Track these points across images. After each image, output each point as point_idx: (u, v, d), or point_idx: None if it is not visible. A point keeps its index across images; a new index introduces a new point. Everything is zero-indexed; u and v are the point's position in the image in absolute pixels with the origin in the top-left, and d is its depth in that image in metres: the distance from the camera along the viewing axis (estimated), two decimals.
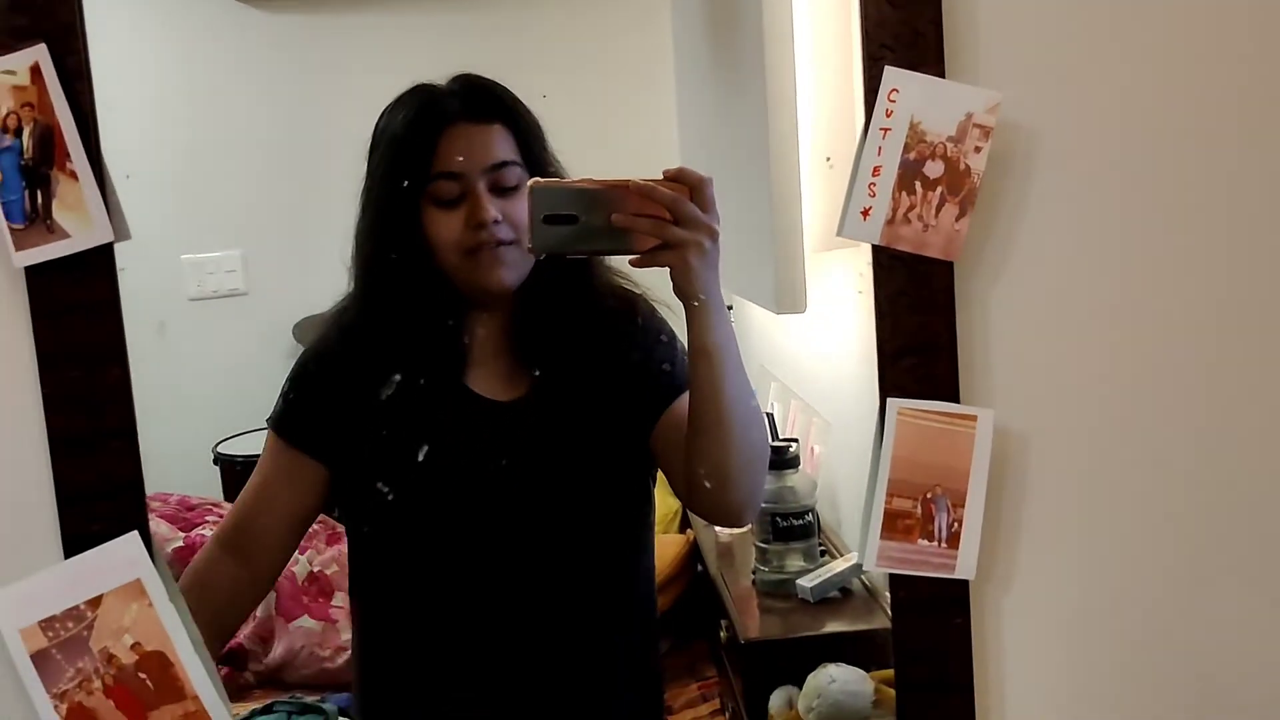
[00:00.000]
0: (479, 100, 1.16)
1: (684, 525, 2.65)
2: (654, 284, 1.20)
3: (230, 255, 3.21)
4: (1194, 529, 1.08)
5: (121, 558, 0.99)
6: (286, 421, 1.23)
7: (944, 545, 1.02)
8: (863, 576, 1.99)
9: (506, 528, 1.17)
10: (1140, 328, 1.06)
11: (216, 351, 3.11)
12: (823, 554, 2.06)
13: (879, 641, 1.83)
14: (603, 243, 0.99)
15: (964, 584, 1.04)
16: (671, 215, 0.98)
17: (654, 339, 1.24)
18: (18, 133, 0.94)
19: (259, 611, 2.42)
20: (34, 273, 0.96)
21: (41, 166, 0.95)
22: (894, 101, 0.98)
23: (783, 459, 2.05)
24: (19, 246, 0.95)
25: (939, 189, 0.99)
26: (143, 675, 0.99)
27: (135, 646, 0.99)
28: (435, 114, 1.15)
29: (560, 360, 1.20)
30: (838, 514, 2.23)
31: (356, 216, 1.21)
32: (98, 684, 0.99)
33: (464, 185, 1.13)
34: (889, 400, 1.02)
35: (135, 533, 0.99)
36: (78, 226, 0.96)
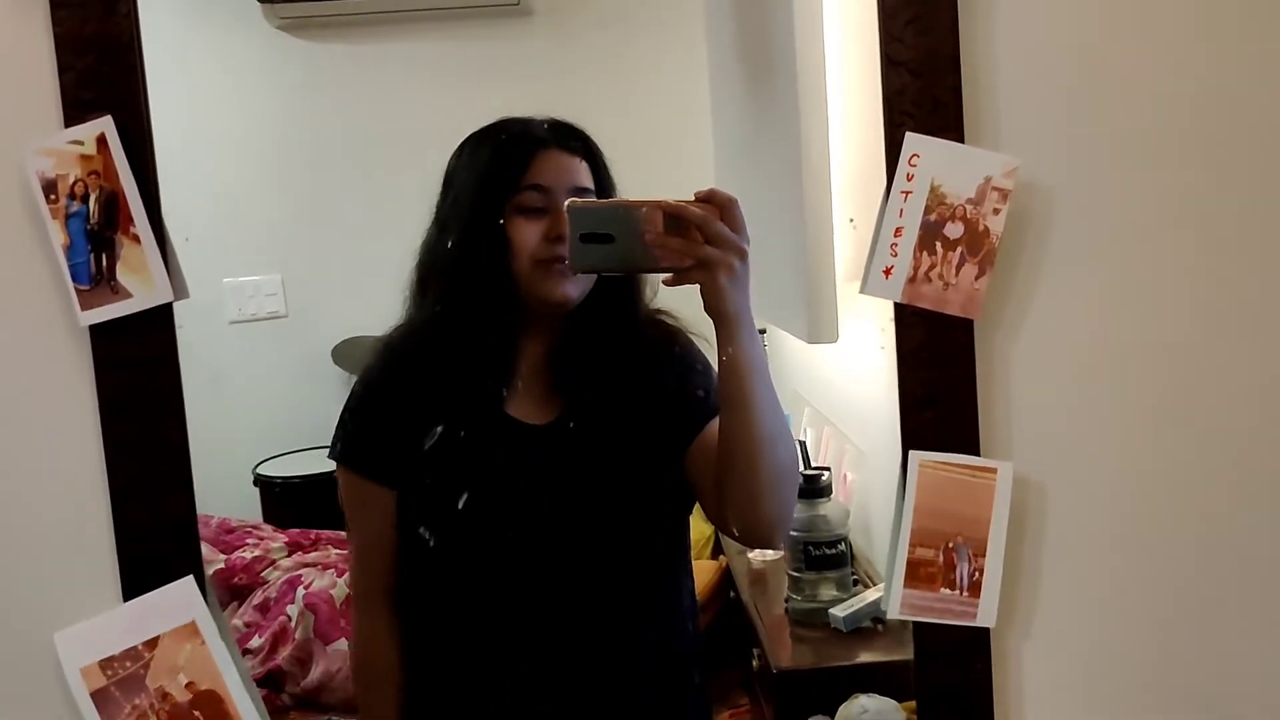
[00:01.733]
0: (568, 135, 1.24)
1: (716, 551, 2.66)
2: (692, 317, 1.24)
3: (270, 279, 3.23)
4: (1211, 576, 1.10)
5: (177, 600, 1.04)
6: (352, 454, 1.28)
7: (965, 593, 1.05)
8: None
9: (545, 548, 1.21)
10: (1155, 381, 1.08)
11: (257, 374, 3.13)
12: (855, 583, 2.06)
13: (911, 672, 1.84)
14: (637, 261, 1.03)
15: (985, 631, 1.06)
16: (702, 235, 1.01)
17: (689, 366, 1.28)
18: (84, 199, 1.00)
19: (298, 634, 2.44)
20: (97, 331, 1.02)
21: (106, 231, 1.00)
22: (915, 165, 1.02)
23: (815, 487, 2.06)
24: (84, 306, 1.01)
25: (959, 249, 1.02)
26: (196, 712, 1.04)
27: (189, 685, 1.04)
28: (532, 137, 1.22)
29: (595, 385, 1.24)
30: (870, 542, 2.23)
31: (430, 236, 1.26)
32: None
33: (548, 200, 1.19)
34: (911, 452, 1.05)
35: (190, 577, 1.04)
36: (140, 287, 1.01)
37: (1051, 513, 1.08)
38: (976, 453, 1.05)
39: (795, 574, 2.07)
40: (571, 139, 1.24)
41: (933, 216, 1.02)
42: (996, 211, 1.02)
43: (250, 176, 3.18)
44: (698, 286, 1.04)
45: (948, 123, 1.01)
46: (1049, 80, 1.04)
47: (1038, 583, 1.08)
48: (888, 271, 1.03)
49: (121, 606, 1.04)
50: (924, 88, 1.01)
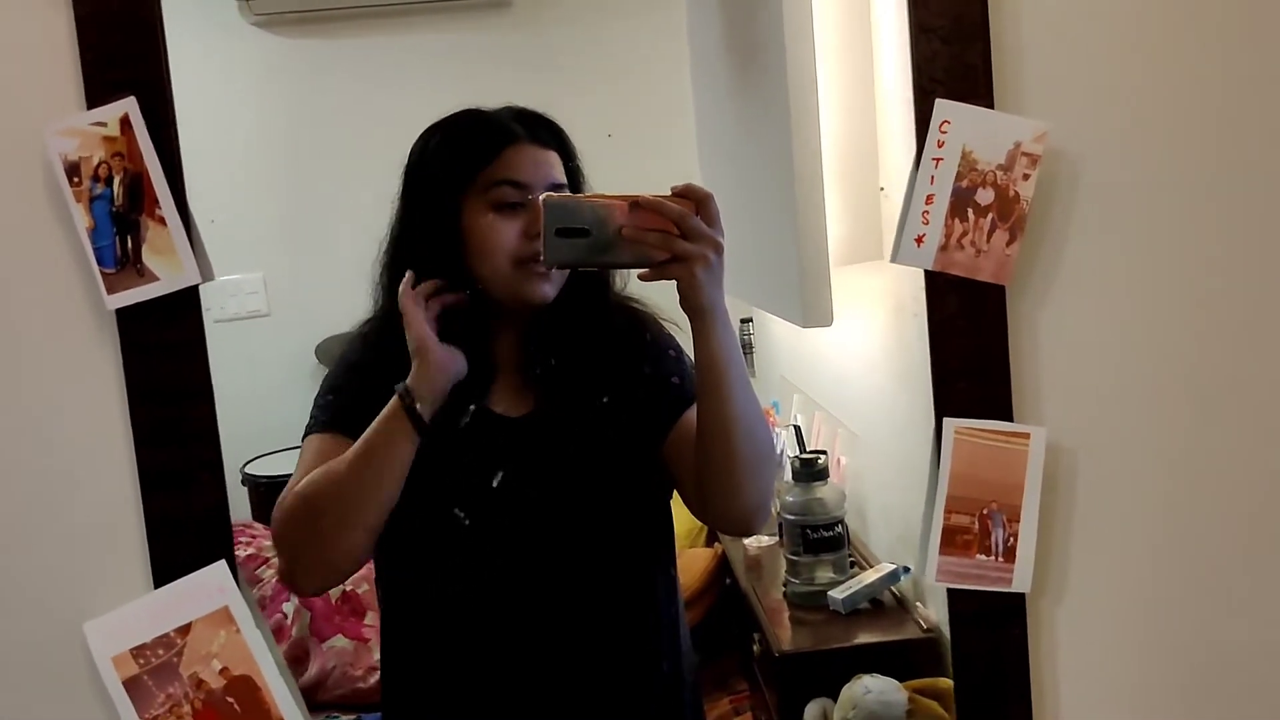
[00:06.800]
0: (539, 127, 1.21)
1: (711, 539, 2.66)
2: (662, 304, 1.23)
3: (252, 278, 3.21)
4: (1243, 539, 1.11)
5: (210, 586, 1.02)
6: (340, 420, 1.20)
7: (1001, 559, 1.06)
8: (893, 587, 2.02)
9: (523, 543, 1.20)
10: (1184, 345, 1.09)
11: (240, 373, 3.11)
12: (852, 565, 2.08)
13: (911, 652, 1.86)
14: (612, 256, 1.02)
15: (1020, 596, 1.07)
16: (679, 229, 1.01)
17: (662, 353, 1.27)
18: (108, 181, 0.98)
19: (294, 632, 2.45)
20: (124, 314, 1.00)
21: (131, 213, 0.99)
22: (945, 132, 1.02)
23: (811, 471, 2.07)
24: (110, 290, 0.99)
25: (990, 215, 1.03)
26: (231, 699, 1.03)
27: (223, 671, 1.03)
28: (501, 130, 1.19)
29: (567, 376, 1.24)
30: (865, 524, 2.25)
31: (392, 230, 1.23)
32: (188, 709, 1.03)
33: (525, 196, 1.18)
34: (945, 420, 1.05)
35: (223, 561, 1.03)
36: (166, 270, 1.00)
37: (1083, 479, 1.08)
38: (1010, 419, 1.05)
39: (793, 558, 2.09)
40: (542, 130, 1.21)
41: (964, 183, 1.03)
42: (1026, 177, 1.02)
43: (229, 174, 3.14)
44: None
45: (977, 89, 1.02)
46: (1078, 47, 1.05)
47: (1069, 548, 1.09)
48: (919, 240, 1.03)
49: (152, 593, 1.03)
50: (955, 55, 1.01)
